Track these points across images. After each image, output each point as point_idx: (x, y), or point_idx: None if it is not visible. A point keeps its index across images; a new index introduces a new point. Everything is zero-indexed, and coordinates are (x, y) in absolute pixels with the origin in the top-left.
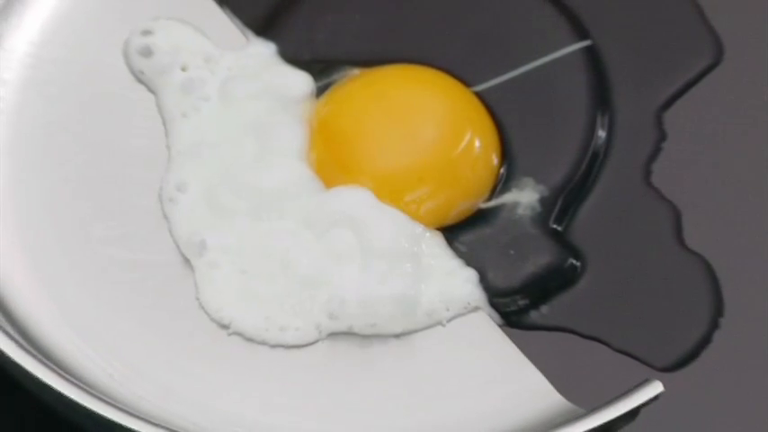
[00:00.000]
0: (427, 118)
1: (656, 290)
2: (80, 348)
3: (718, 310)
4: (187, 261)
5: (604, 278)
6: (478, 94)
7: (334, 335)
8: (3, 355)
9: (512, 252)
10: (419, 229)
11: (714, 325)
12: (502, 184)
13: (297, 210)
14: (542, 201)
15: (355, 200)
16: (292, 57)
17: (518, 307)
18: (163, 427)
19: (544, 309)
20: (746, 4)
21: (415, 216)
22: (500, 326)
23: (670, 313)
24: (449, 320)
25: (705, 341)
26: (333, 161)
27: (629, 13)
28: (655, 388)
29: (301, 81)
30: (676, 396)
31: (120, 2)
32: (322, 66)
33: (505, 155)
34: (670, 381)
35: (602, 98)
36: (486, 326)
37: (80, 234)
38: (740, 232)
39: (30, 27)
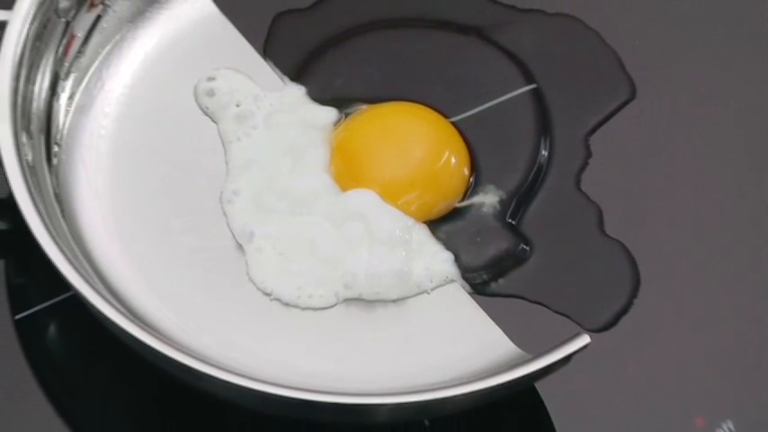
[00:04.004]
0: (417, 140)
1: (585, 268)
2: (160, 310)
3: (635, 284)
4: (240, 246)
5: (547, 259)
6: (454, 123)
7: (347, 300)
8: (104, 316)
9: (478, 239)
10: (411, 222)
11: (632, 296)
12: (471, 189)
13: (321, 208)
14: (501, 202)
15: (364, 200)
16: (317, 96)
17: (483, 280)
18: (221, 368)
19: (502, 281)
20: (654, 54)
21: (408, 212)
22: (470, 294)
23: (597, 286)
24: (432, 289)
25: (625, 309)
26: (348, 172)
27: (564, 64)
28: (583, 340)
29: (324, 114)
30: (601, 351)
31: (191, 56)
32: (339, 103)
33: (474, 167)
34: (597, 339)
35: (544, 126)
36: (459, 294)
37: (162, 226)
38: (648, 225)
39: (124, 74)
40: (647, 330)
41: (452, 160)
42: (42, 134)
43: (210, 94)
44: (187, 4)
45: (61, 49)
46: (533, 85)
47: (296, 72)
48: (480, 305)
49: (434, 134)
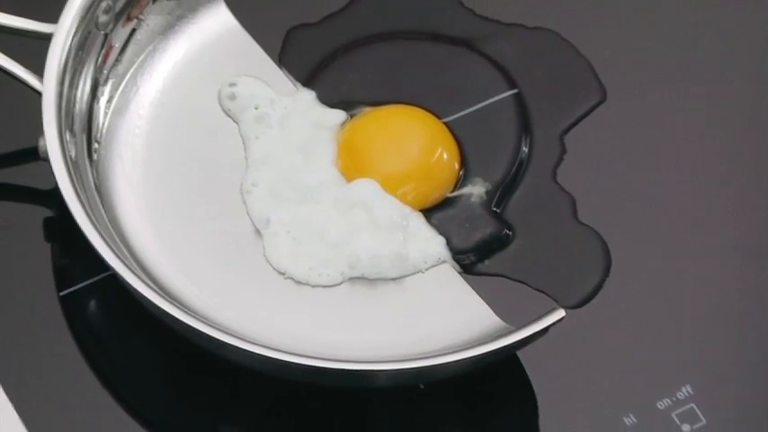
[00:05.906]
0: (413, 138)
1: (561, 251)
2: (188, 287)
3: (606, 266)
4: (258, 231)
5: (527, 243)
6: (446, 123)
7: (352, 279)
8: (139, 293)
9: (467, 225)
10: (408, 210)
11: (604, 276)
12: (461, 181)
13: (329, 197)
14: (487, 192)
15: (367, 190)
16: (326, 100)
17: (471, 261)
18: (242, 338)
19: (488, 262)
20: (622, 63)
21: (405, 201)
22: (459, 273)
23: (572, 267)
24: (427, 269)
25: (597, 288)
26: (353, 166)
27: (543, 71)
28: (559, 314)
29: (333, 116)
30: (575, 324)
31: (215, 64)
32: (345, 105)
33: (463, 162)
34: (571, 314)
35: (525, 126)
36: (450, 273)
37: (189, 214)
38: (617, 212)
39: (156, 80)
40: (615, 306)
41: (444, 156)
42: (84, 133)
43: (232, 97)
44: (211, 19)
45: (100, 58)
46: (515, 90)
47: (307, 78)
48: (469, 283)
49: (429, 133)
